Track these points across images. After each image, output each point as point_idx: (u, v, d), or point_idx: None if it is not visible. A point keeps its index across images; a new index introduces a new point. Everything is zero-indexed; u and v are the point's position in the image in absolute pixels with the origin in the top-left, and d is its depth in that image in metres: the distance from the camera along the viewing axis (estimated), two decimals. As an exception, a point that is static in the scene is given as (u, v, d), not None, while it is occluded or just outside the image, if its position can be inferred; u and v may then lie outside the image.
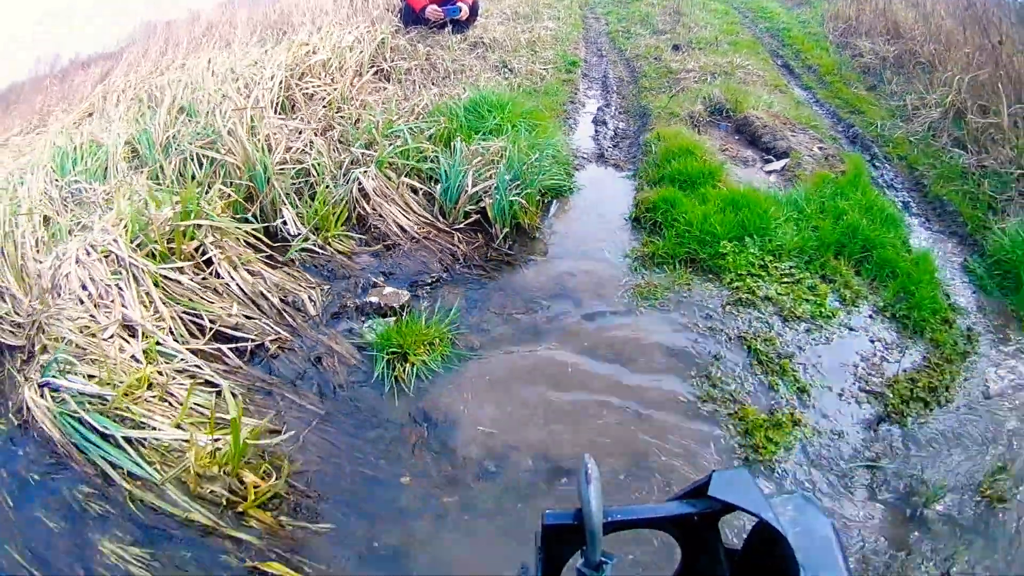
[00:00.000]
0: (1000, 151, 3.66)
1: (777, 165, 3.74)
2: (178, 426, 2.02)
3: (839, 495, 1.93)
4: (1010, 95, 3.78)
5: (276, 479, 1.92)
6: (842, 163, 3.75)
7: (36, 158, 3.81)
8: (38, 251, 2.83)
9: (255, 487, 1.88)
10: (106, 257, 2.60)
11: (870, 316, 2.64)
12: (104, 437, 1.99)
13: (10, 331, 2.47)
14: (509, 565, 1.65)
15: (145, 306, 2.44)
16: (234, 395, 2.18)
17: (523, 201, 3.13)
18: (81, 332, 2.30)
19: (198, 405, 2.13)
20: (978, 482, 1.96)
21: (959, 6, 5.25)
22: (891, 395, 2.26)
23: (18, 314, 2.51)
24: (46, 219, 3.08)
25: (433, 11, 5.55)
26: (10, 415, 2.18)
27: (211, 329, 2.45)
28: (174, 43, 6.01)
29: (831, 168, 3.69)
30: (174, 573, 1.71)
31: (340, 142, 3.61)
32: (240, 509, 1.85)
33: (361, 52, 4.72)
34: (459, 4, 5.59)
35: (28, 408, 2.09)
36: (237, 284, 2.65)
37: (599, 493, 0.65)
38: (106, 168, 3.54)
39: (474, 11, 5.83)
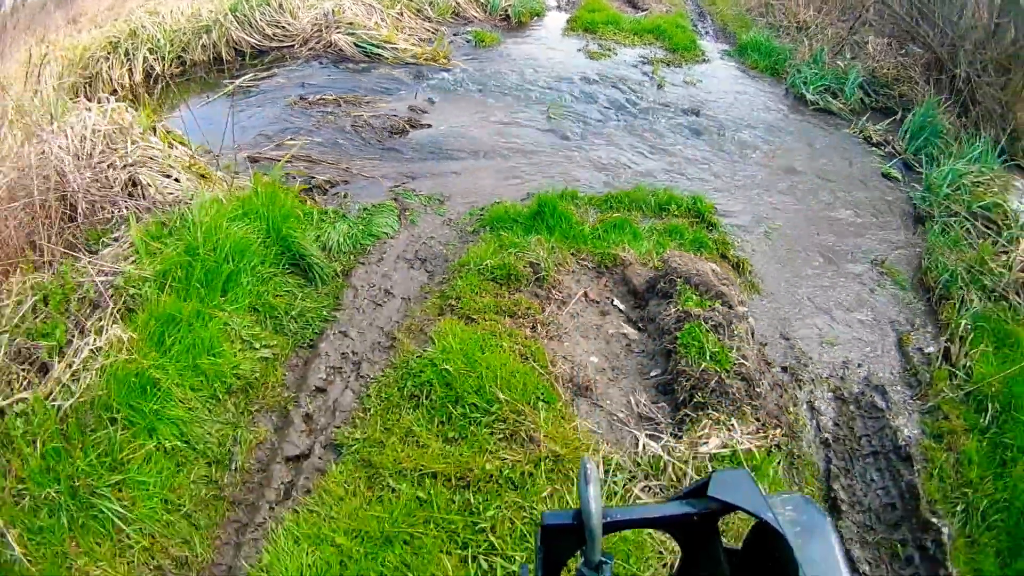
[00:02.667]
0: (778, 15, 7.45)
1: (641, 14, 7.48)
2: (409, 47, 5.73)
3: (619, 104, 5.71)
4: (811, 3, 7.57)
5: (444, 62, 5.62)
6: (679, 17, 7.47)
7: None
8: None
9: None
10: None
11: (659, 48, 6.39)
12: (371, 54, 5.67)
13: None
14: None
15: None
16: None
17: (524, 13, 6.82)
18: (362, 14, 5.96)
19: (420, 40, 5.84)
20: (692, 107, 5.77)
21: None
22: (654, 62, 6.02)
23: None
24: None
25: None
26: (329, 52, 5.82)
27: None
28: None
29: (667, 14, 7.45)
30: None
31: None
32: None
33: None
34: None
35: (338, 45, 5.76)
36: None
37: (599, 494, 0.66)
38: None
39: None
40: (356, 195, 3.61)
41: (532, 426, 2.08)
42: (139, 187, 3.18)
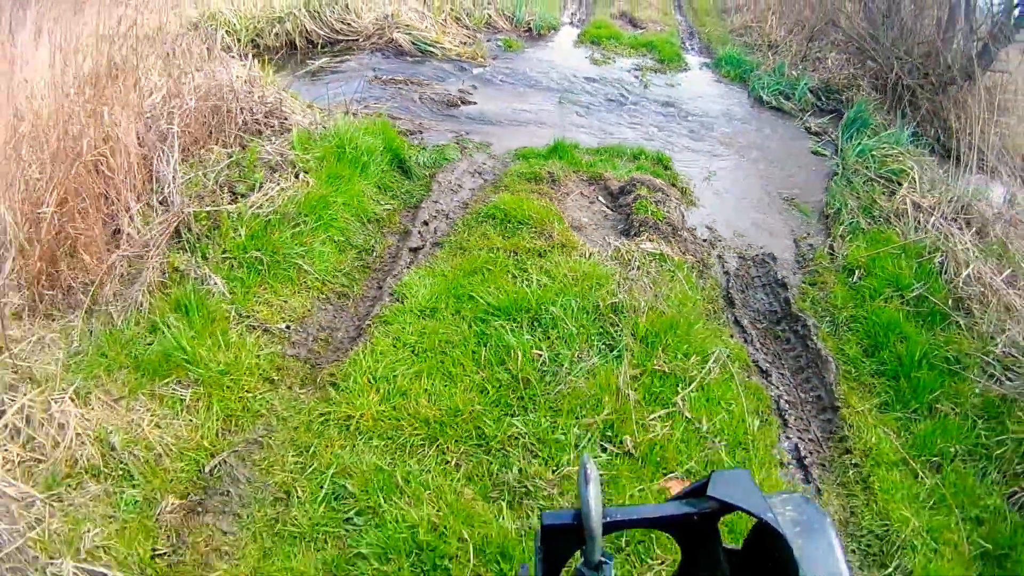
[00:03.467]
0: (754, 36, 9.09)
1: (639, 32, 9.13)
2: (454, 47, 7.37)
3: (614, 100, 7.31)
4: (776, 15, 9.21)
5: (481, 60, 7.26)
6: (670, 36, 9.10)
7: None
8: None
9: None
10: None
11: (650, 59, 8.01)
12: (423, 51, 7.30)
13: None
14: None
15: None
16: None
17: (544, 27, 8.47)
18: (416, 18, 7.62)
19: (461, 42, 7.47)
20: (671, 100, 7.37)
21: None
22: (644, 69, 7.62)
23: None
24: None
25: None
26: (389, 47, 7.46)
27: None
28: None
29: (661, 32, 9.09)
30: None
31: None
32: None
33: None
34: None
35: (397, 41, 7.39)
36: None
37: (599, 493, 0.68)
38: None
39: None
40: (429, 140, 5.18)
41: (551, 231, 3.63)
42: (276, 117, 4.71)
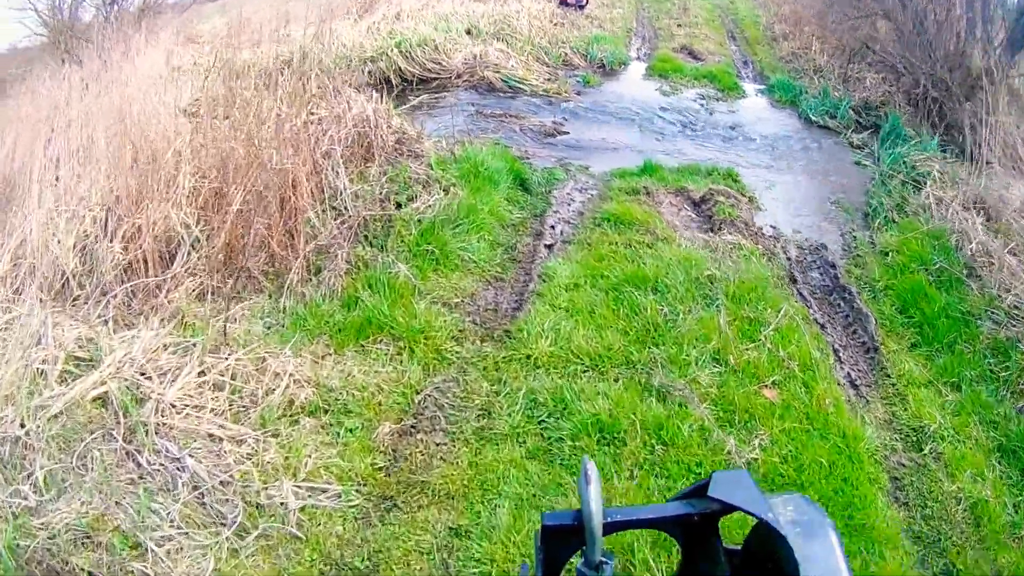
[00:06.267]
0: (801, 62, 10.29)
1: (699, 64, 10.41)
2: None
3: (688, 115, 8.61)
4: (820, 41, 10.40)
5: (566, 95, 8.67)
6: (727, 66, 10.35)
7: None
8: None
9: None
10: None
11: (711, 88, 9.26)
12: (513, 87, 8.72)
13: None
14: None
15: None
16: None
17: (615, 62, 9.84)
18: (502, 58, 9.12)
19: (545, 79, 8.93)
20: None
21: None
22: (708, 98, 8.89)
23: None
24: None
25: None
26: (481, 84, 8.90)
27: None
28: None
29: (719, 63, 10.34)
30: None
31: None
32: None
33: (541, 11, 11.52)
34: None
35: (488, 79, 8.81)
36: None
37: (599, 494, 0.69)
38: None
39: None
40: (537, 163, 6.55)
41: (654, 229, 4.97)
42: (405, 143, 6.08)
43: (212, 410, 2.95)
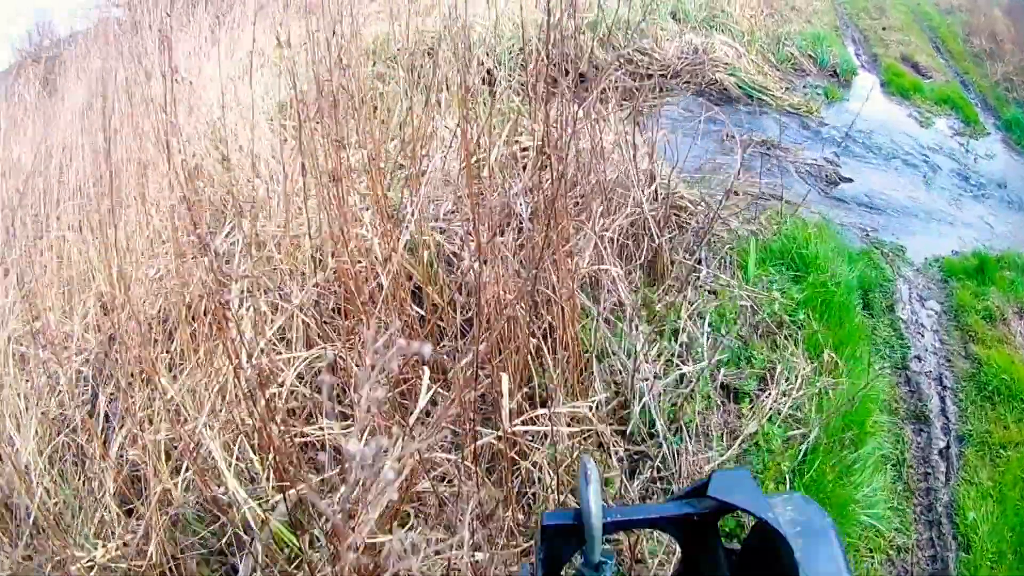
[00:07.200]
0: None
1: (927, 81, 9.06)
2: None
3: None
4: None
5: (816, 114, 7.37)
6: (956, 87, 9.00)
7: None
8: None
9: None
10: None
11: (954, 119, 8.00)
12: (751, 96, 7.37)
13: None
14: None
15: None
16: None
17: (848, 72, 8.44)
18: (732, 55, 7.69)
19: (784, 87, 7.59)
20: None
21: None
22: (963, 134, 7.68)
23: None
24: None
25: None
26: (710, 88, 7.54)
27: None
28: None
29: (946, 83, 9.00)
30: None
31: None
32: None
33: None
34: None
35: (720, 82, 7.42)
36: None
37: (599, 493, 0.69)
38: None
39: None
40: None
41: None
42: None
43: None
